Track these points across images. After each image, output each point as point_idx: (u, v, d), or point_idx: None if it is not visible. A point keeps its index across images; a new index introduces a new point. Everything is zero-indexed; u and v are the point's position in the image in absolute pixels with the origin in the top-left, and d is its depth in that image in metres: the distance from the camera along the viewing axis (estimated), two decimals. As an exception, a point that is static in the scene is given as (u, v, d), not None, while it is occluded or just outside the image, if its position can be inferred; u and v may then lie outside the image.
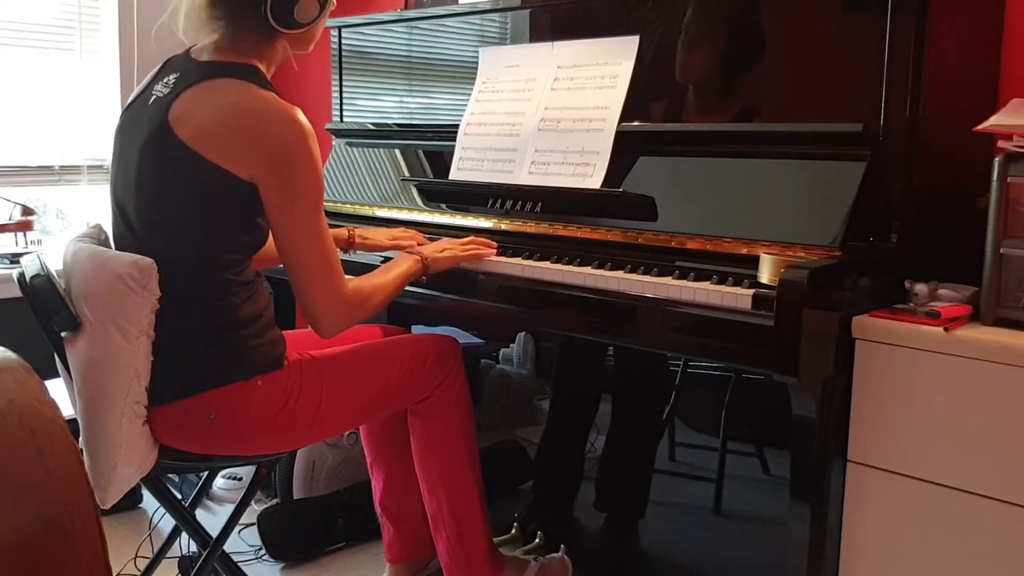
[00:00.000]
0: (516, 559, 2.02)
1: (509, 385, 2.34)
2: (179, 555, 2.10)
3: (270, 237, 1.58)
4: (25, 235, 2.84)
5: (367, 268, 1.83)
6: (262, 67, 1.56)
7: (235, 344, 1.55)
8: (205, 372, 1.53)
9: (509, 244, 1.89)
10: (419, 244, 1.90)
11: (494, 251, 1.84)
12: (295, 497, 2.46)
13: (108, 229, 1.71)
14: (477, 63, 2.17)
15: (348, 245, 1.95)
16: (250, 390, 1.55)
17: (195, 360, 1.54)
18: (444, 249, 1.81)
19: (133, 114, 1.59)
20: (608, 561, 2.14)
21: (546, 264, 1.75)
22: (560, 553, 2.03)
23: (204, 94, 1.48)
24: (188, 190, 1.49)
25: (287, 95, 1.54)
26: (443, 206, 2.14)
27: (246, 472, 2.57)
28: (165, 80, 1.55)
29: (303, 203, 1.50)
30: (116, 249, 1.58)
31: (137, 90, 1.63)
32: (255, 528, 2.33)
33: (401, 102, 2.47)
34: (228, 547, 1.70)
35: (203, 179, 1.47)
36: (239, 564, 1.76)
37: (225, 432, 1.56)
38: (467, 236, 1.89)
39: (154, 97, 1.54)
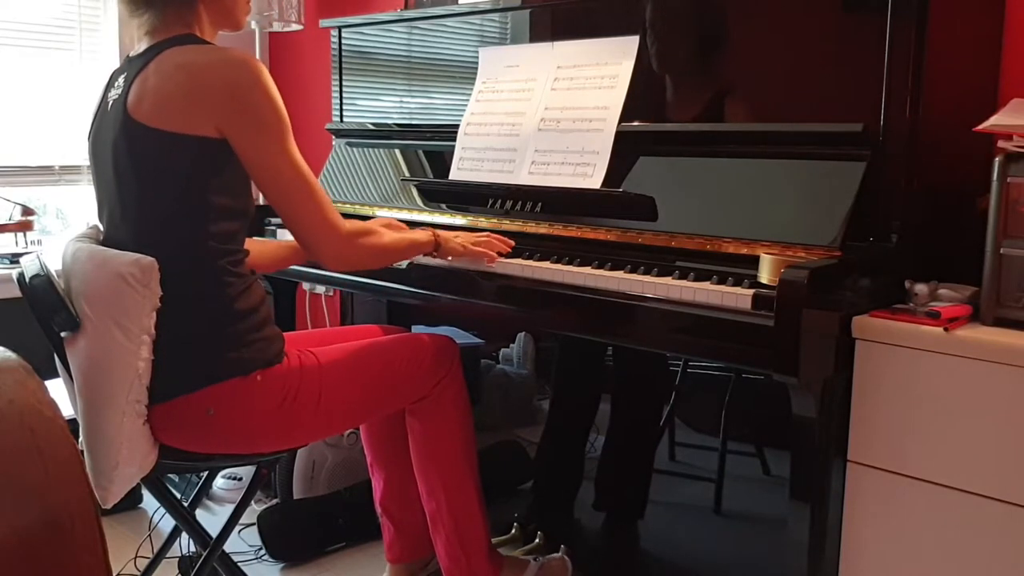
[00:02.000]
0: (516, 559, 2.02)
1: (509, 385, 2.34)
2: (179, 555, 2.10)
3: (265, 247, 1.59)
4: (25, 235, 2.84)
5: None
6: (196, 32, 1.59)
7: (233, 338, 1.55)
8: (204, 368, 1.54)
9: (509, 244, 1.89)
10: None
11: (507, 249, 1.83)
12: (295, 497, 2.47)
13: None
14: (477, 63, 2.17)
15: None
16: (249, 385, 1.56)
17: (194, 356, 1.54)
18: (457, 235, 1.83)
19: (98, 127, 1.61)
20: (608, 561, 2.14)
21: (546, 264, 1.75)
22: (560, 553, 2.03)
23: (151, 72, 1.50)
24: (165, 170, 1.50)
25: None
26: (443, 206, 2.14)
27: (246, 472, 2.57)
28: (115, 84, 1.58)
29: (269, 134, 1.51)
30: None
31: (94, 107, 1.65)
32: (255, 528, 2.33)
33: (401, 102, 2.47)
34: (228, 547, 1.70)
35: (176, 154, 1.48)
36: (239, 564, 1.76)
37: (224, 429, 1.56)
38: (472, 235, 1.88)
39: (111, 103, 1.56)
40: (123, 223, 1.56)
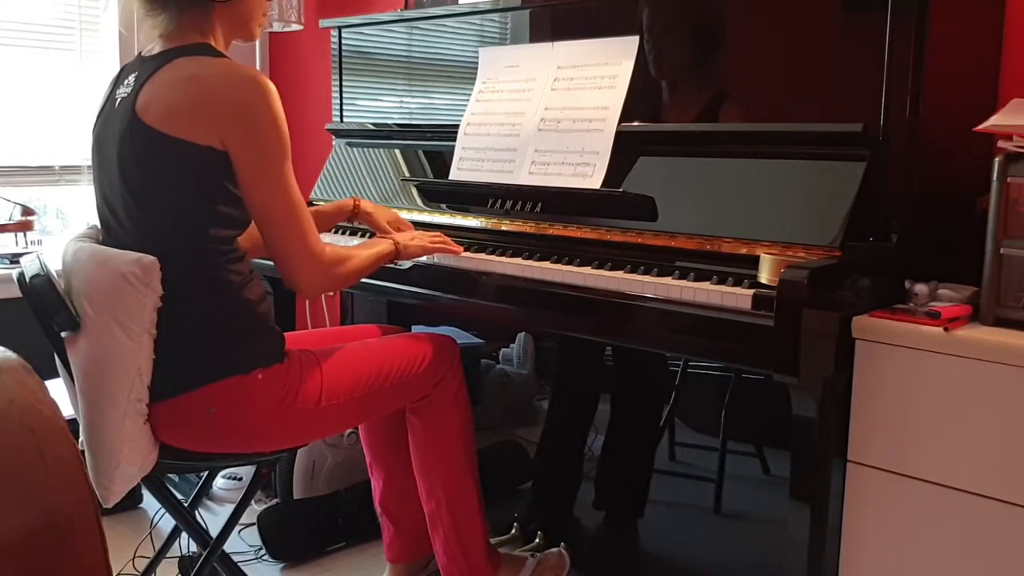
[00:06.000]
0: (513, 556, 2.02)
1: (509, 385, 2.34)
2: (179, 555, 2.10)
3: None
4: (25, 235, 2.84)
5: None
6: (211, 42, 1.59)
7: (234, 336, 1.56)
8: (205, 366, 1.54)
9: (509, 244, 1.89)
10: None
11: (460, 251, 1.87)
12: (295, 497, 2.46)
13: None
14: (477, 63, 2.17)
15: (352, 214, 1.98)
16: (250, 383, 1.56)
17: (195, 354, 1.54)
18: (413, 238, 1.86)
19: (104, 123, 1.62)
20: (608, 561, 2.14)
21: (546, 264, 1.75)
22: (558, 548, 2.03)
23: (163, 78, 1.51)
24: (170, 174, 1.51)
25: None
26: (443, 206, 2.14)
27: (246, 472, 2.57)
28: (125, 82, 1.58)
29: (269, 158, 1.52)
30: None
31: (100, 102, 1.66)
32: (255, 528, 2.33)
33: (401, 102, 2.47)
34: (228, 547, 1.70)
35: (182, 159, 1.49)
36: (239, 564, 1.76)
37: (225, 427, 1.56)
38: (428, 234, 1.90)
39: (119, 100, 1.57)
40: (126, 219, 1.56)
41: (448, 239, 1.90)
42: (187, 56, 1.53)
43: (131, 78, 1.57)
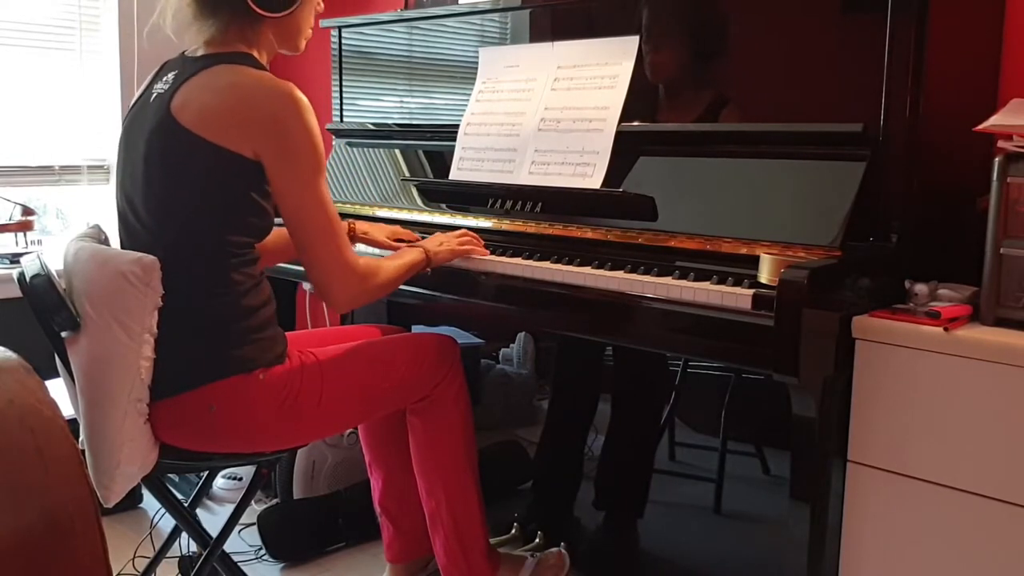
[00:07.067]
0: (513, 556, 2.02)
1: (509, 385, 2.34)
2: (179, 555, 2.10)
3: (271, 233, 1.61)
4: (25, 235, 2.84)
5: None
6: (254, 54, 1.61)
7: (237, 336, 1.56)
8: (207, 364, 1.54)
9: (509, 244, 1.89)
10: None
11: (486, 253, 1.86)
12: (295, 497, 2.46)
13: (108, 230, 1.72)
14: (477, 63, 2.17)
15: (349, 239, 1.96)
16: (251, 383, 1.56)
17: (198, 353, 1.54)
18: (442, 243, 1.84)
19: (136, 115, 1.62)
20: (608, 561, 2.14)
21: (546, 264, 1.75)
22: (558, 548, 2.03)
23: (202, 82, 1.53)
24: (196, 175, 1.52)
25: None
26: (443, 206, 2.14)
27: (246, 472, 2.57)
28: (164, 78, 1.59)
29: (303, 171, 1.53)
30: (124, 248, 1.59)
31: (137, 93, 1.68)
32: (255, 528, 2.33)
33: (401, 102, 2.47)
34: (228, 547, 1.70)
35: (210, 162, 1.50)
36: (239, 564, 1.76)
37: (225, 427, 1.56)
38: (451, 234, 1.89)
39: (155, 95, 1.58)
40: (144, 214, 1.57)
41: (474, 238, 1.87)
42: (228, 64, 1.54)
43: (171, 75, 1.58)
